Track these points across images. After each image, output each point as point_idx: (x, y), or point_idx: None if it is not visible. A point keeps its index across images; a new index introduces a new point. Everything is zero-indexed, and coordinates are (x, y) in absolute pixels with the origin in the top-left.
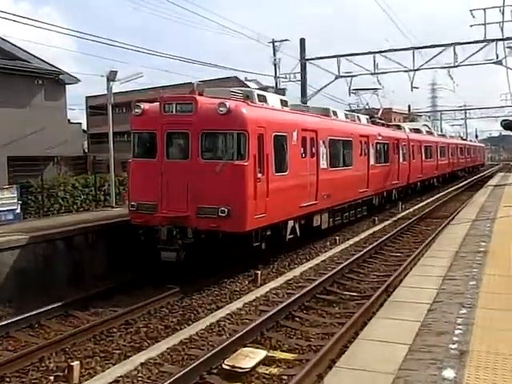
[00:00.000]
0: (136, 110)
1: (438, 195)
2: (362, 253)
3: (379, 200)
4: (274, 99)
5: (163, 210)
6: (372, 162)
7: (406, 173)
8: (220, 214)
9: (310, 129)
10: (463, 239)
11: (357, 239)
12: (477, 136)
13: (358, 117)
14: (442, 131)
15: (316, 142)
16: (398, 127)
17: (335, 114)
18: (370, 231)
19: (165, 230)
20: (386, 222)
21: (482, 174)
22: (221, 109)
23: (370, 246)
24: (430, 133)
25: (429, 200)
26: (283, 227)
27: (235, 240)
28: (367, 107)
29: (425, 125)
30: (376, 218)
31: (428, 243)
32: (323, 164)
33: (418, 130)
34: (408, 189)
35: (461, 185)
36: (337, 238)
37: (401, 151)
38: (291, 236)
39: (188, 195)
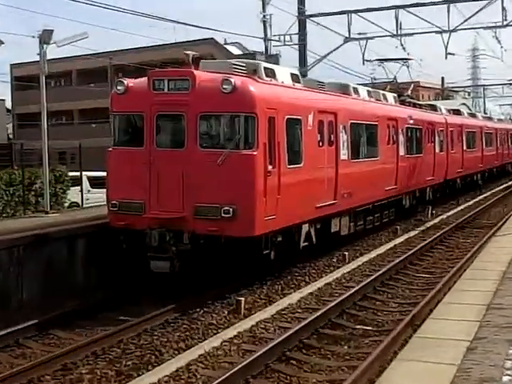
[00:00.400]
0: (118, 88)
1: (481, 197)
2: (380, 273)
3: (410, 200)
4: (283, 74)
5: (152, 210)
6: (401, 152)
7: (444, 166)
8: (223, 214)
9: (328, 110)
10: None
11: (373, 255)
12: None
13: (383, 95)
14: (485, 112)
15: (335, 126)
16: (433, 108)
17: (356, 91)
18: (391, 244)
19: (156, 233)
20: (412, 233)
21: None
22: (225, 86)
23: (391, 265)
24: (472, 115)
25: (468, 203)
26: (296, 232)
27: (241, 247)
28: (394, 81)
29: (463, 104)
30: (398, 227)
31: (466, 261)
32: (344, 154)
33: (457, 112)
34: (445, 187)
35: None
36: (346, 253)
37: (437, 139)
38: (305, 243)
39: (183, 192)
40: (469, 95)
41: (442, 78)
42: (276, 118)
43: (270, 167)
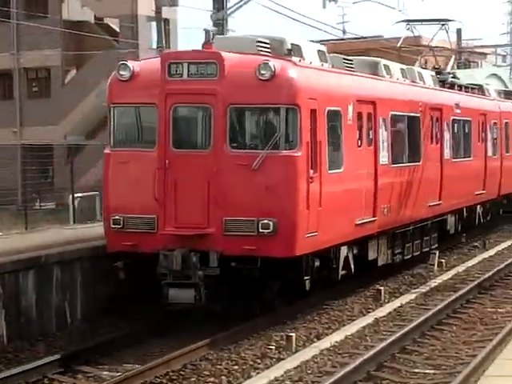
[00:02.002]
0: (121, 72)
1: None
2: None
3: (456, 223)
4: (310, 51)
5: (168, 227)
6: (447, 154)
7: (497, 176)
8: (261, 229)
9: (367, 99)
10: None
11: (336, 338)
12: None
13: (419, 74)
14: None
15: (374, 120)
16: (480, 90)
17: (388, 70)
18: (369, 319)
19: (178, 254)
20: (405, 298)
21: None
22: (262, 72)
23: (368, 355)
24: None
25: (501, 246)
26: (335, 256)
27: (279, 271)
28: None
29: (493, 74)
30: (382, 290)
31: (497, 345)
32: (383, 157)
33: (510, 95)
34: (500, 205)
35: None
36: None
37: (489, 136)
38: (344, 272)
39: (209, 203)
40: (504, 61)
41: (459, 31)
42: (317, 110)
43: (311, 172)
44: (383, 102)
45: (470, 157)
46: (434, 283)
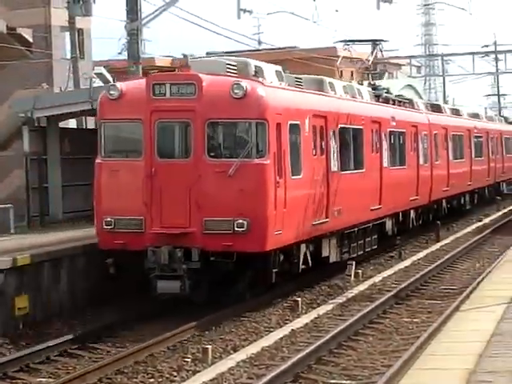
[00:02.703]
0: (111, 92)
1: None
2: None
3: (393, 226)
4: (269, 72)
5: (155, 227)
6: (385, 162)
7: (428, 183)
8: (237, 228)
9: (320, 114)
10: (487, 345)
11: (253, 350)
12: None
13: (358, 90)
14: (446, 100)
15: (326, 132)
16: (410, 103)
17: (332, 87)
18: (286, 330)
19: (165, 250)
20: (322, 309)
21: None
22: (236, 91)
23: (284, 367)
24: (455, 111)
25: (416, 256)
26: (296, 252)
27: (252, 264)
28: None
29: (408, 85)
30: (299, 301)
31: (412, 355)
32: (334, 165)
33: (438, 108)
34: (429, 210)
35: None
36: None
37: (420, 146)
38: (304, 266)
39: (190, 205)
40: (419, 72)
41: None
42: (282, 123)
43: (278, 178)
44: (333, 116)
45: (404, 165)
46: (350, 294)
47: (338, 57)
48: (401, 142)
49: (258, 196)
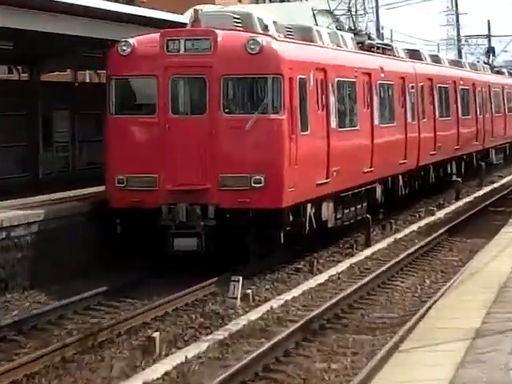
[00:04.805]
0: (123, 48)
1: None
2: None
3: (381, 193)
4: (270, 23)
5: (168, 184)
6: (376, 120)
7: (416, 144)
8: (253, 184)
9: (321, 67)
10: None
11: None
12: None
13: (342, 38)
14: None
15: (326, 86)
16: (390, 50)
17: (320, 36)
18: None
19: (183, 207)
20: (192, 350)
21: None
22: (252, 46)
23: None
24: (435, 59)
25: (335, 269)
26: (303, 212)
27: (265, 221)
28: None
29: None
30: (156, 337)
31: None
32: (333, 121)
33: (417, 55)
34: (417, 177)
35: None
36: None
37: (408, 101)
38: (308, 228)
39: (206, 162)
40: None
41: None
42: (292, 78)
43: (290, 134)
44: (331, 68)
45: (393, 122)
46: (235, 326)
47: None
48: (389, 96)
49: (274, 151)
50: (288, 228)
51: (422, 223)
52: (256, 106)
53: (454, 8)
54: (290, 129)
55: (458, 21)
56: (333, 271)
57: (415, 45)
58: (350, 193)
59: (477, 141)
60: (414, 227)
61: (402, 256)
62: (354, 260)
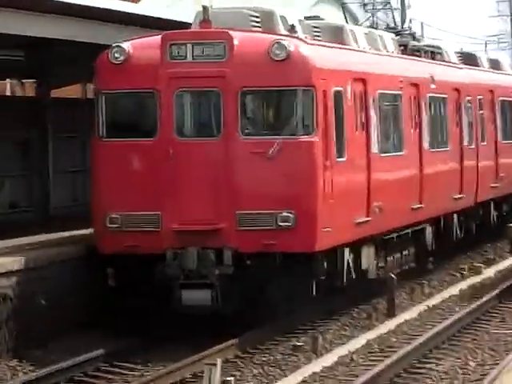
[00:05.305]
0: (114, 55)
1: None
2: None
3: (434, 236)
4: (296, 22)
5: (175, 223)
6: (426, 143)
7: (474, 174)
8: (280, 223)
9: (359, 77)
10: None
11: None
12: None
13: (381, 38)
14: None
15: (365, 100)
16: (439, 53)
17: (354, 36)
18: None
19: (193, 252)
20: None
21: None
22: (276, 52)
23: None
24: (495, 64)
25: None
26: (339, 258)
27: (299, 268)
28: None
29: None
30: None
31: None
32: (374, 146)
33: (473, 60)
34: (476, 215)
35: None
36: None
37: (464, 118)
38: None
39: (220, 195)
40: None
41: None
42: (327, 91)
43: (324, 160)
44: (372, 78)
45: (447, 147)
46: None
47: None
48: (441, 112)
49: (306, 182)
50: (322, 277)
51: (464, 284)
52: (282, 127)
53: None
54: (324, 154)
55: None
56: (344, 350)
57: (459, 43)
58: (395, 235)
59: None
60: (454, 290)
61: (436, 329)
62: (372, 335)
